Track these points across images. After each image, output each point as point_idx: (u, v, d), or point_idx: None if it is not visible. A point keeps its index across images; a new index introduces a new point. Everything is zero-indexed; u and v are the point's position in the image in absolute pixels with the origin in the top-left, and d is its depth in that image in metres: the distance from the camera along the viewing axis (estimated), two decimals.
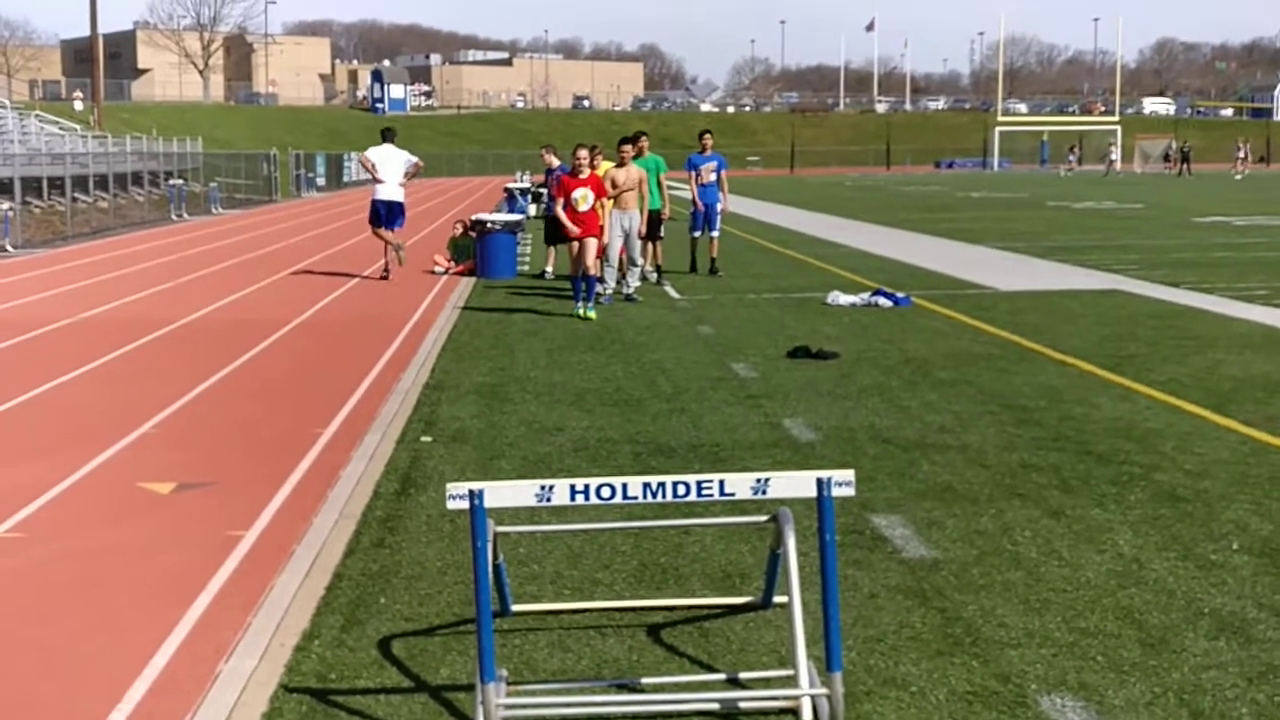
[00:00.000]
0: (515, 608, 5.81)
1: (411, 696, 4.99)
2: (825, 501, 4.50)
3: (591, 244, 15.86)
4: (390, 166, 21.02)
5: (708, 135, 21.33)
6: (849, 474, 4.57)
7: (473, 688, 4.83)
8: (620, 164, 17.55)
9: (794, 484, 4.59)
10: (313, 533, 7.14)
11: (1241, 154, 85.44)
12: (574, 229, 15.86)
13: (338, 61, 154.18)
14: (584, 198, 15.81)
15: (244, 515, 7.47)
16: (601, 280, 16.73)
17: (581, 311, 15.79)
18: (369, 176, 21.41)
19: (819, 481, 4.51)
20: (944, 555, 6.51)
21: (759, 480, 4.56)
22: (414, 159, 21.47)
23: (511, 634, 5.58)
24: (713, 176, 20.79)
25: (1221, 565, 6.31)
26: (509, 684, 4.95)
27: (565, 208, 15.91)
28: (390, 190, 21.00)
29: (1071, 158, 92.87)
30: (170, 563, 6.69)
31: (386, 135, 21.60)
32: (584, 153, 16.12)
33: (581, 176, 15.95)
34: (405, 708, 4.89)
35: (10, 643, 5.63)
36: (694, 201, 20.99)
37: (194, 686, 5.09)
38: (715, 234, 21.11)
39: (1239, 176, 76.43)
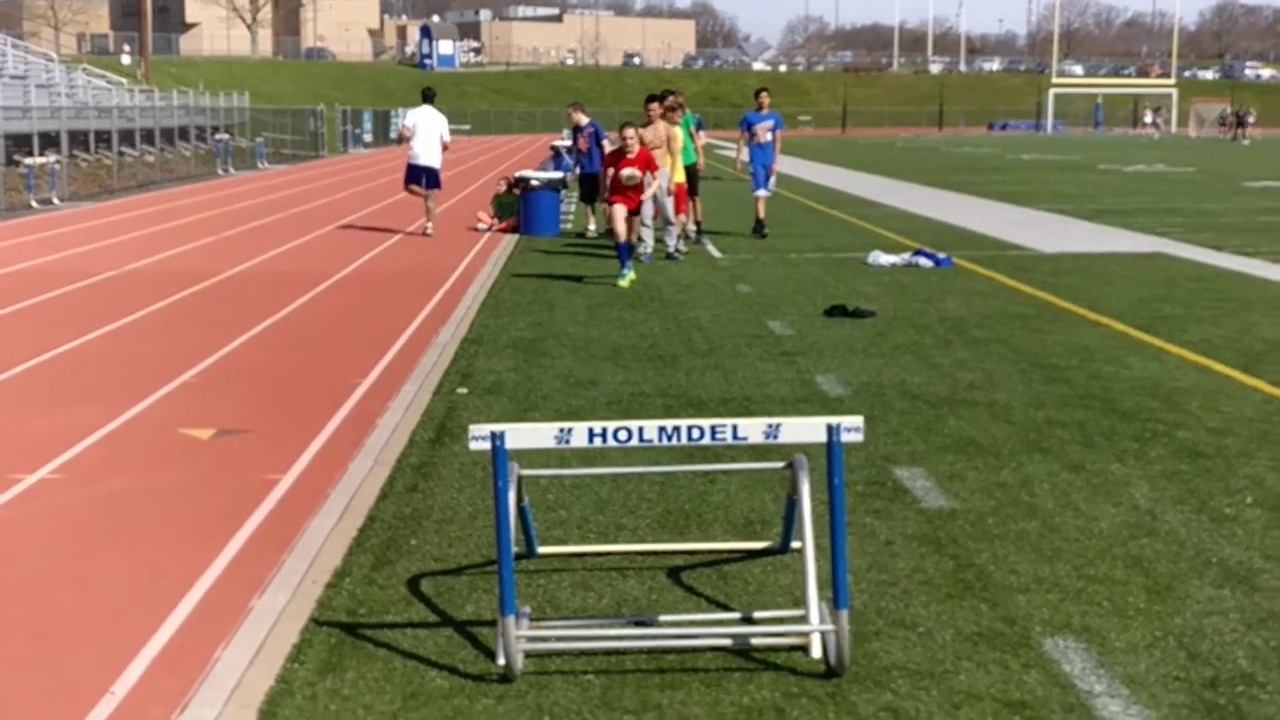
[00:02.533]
0: (541, 550, 5.98)
1: (437, 630, 5.17)
2: (834, 446, 4.63)
3: (623, 211, 15.29)
4: (427, 131, 21.04)
5: (764, 93, 20.89)
6: (858, 420, 4.69)
7: (496, 623, 5.01)
8: (647, 123, 17.33)
9: (805, 430, 4.72)
10: (348, 478, 7.33)
11: (1251, 119, 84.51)
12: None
13: (386, 16, 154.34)
14: (630, 177, 15.13)
15: (281, 460, 7.68)
16: (642, 240, 16.76)
17: (624, 281, 15.13)
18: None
19: (829, 427, 4.64)
20: (962, 506, 6.64)
21: (771, 425, 4.69)
22: (447, 136, 21.34)
23: (537, 574, 5.75)
24: (769, 136, 20.39)
25: (1234, 518, 6.41)
26: (531, 620, 5.11)
27: (612, 182, 15.27)
28: (426, 155, 21.02)
29: (1158, 118, 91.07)
30: (208, 504, 6.90)
31: (427, 96, 21.59)
32: (631, 132, 15.17)
33: (630, 155, 15.16)
34: (431, 641, 5.07)
35: (53, 577, 5.85)
36: (741, 160, 20.61)
37: (228, 619, 5.29)
38: (767, 194, 20.83)
39: (1246, 142, 75.83)
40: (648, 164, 15.34)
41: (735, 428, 4.70)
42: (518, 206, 21.79)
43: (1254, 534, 6.18)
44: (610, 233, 15.86)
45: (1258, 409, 8.70)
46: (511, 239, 20.57)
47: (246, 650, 4.99)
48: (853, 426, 4.67)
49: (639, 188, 15.34)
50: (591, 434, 4.69)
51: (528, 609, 5.19)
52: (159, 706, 4.52)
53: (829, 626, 4.68)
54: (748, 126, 20.64)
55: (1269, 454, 7.56)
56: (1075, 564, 5.78)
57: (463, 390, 9.56)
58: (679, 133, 18.21)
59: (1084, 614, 5.22)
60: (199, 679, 4.73)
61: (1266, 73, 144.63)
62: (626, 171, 15.12)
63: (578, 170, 22.38)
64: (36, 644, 5.10)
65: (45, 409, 9.03)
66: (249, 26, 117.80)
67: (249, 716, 4.45)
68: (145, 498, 7.03)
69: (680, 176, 18.28)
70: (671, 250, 17.77)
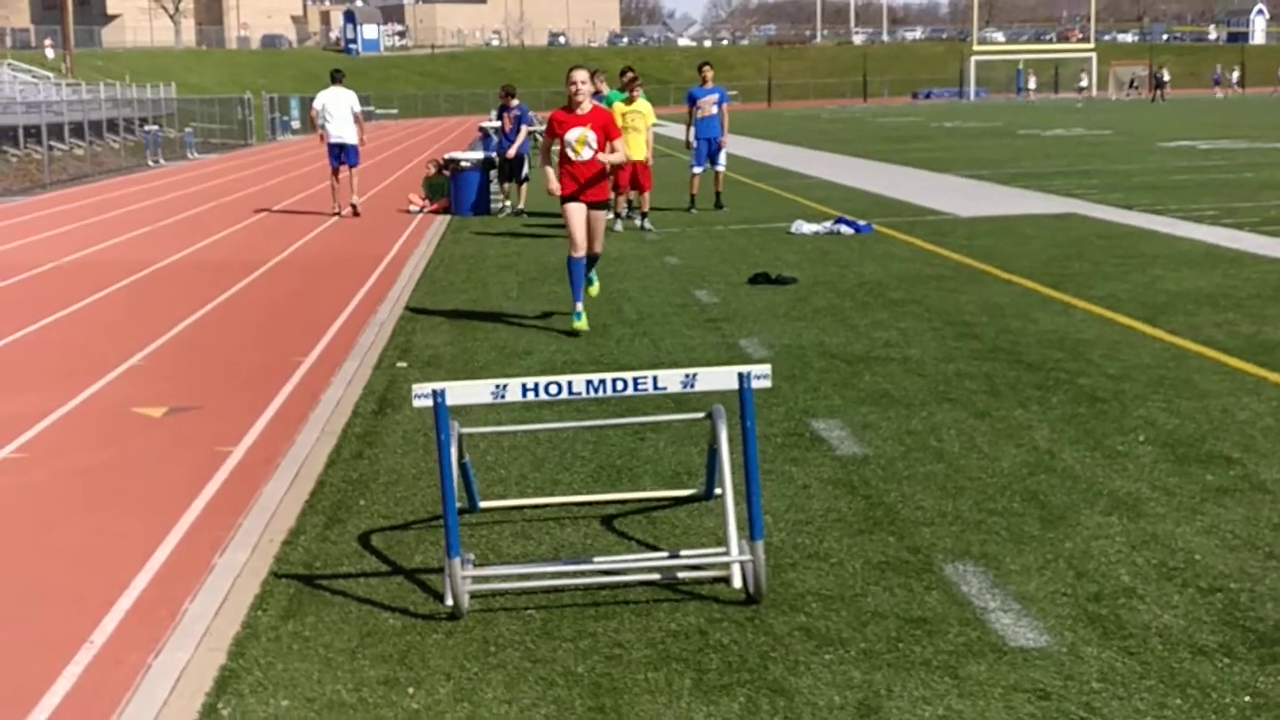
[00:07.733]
0: (482, 504, 6.40)
1: (389, 579, 5.58)
2: (745, 393, 5.07)
3: (600, 217, 11.03)
4: (337, 109, 21.41)
5: (708, 68, 20.93)
6: (766, 368, 5.14)
7: (443, 569, 5.43)
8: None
9: (719, 378, 5.16)
10: (296, 448, 7.71)
11: (1167, 79, 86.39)
12: (554, 187, 10.80)
13: (309, 2, 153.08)
14: (582, 141, 10.63)
15: (232, 434, 8.04)
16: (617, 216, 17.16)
17: (580, 321, 10.96)
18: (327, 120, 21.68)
19: (740, 375, 5.09)
20: (874, 452, 7.12)
21: (688, 375, 5.13)
22: (358, 108, 21.71)
23: (479, 527, 6.17)
24: (714, 109, 20.55)
25: (1126, 454, 6.92)
26: (475, 566, 5.53)
27: (560, 161, 10.75)
28: (339, 131, 21.43)
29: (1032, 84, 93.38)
30: (165, 476, 7.26)
31: (335, 77, 21.98)
32: (582, 74, 10.75)
33: (580, 112, 10.70)
34: (383, 588, 5.48)
35: (21, 546, 6.21)
36: (690, 138, 20.74)
37: (193, 575, 5.68)
38: (720, 168, 20.97)
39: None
40: (606, 128, 10.73)
41: (655, 378, 5.14)
42: (448, 188, 22.11)
43: (1144, 468, 6.69)
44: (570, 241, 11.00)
45: (1156, 356, 9.24)
46: (443, 219, 20.90)
47: (212, 601, 5.38)
48: (761, 374, 5.12)
49: (595, 167, 10.76)
50: (525, 389, 5.11)
51: (472, 556, 5.60)
52: (136, 652, 4.91)
53: (746, 557, 5.14)
54: (692, 101, 20.80)
55: (1163, 396, 8.10)
56: (977, 499, 6.27)
57: (402, 364, 9.94)
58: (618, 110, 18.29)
59: (983, 542, 5.71)
60: (170, 627, 5.12)
61: (1223, 35, 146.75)
62: (575, 133, 10.64)
63: (498, 147, 22.43)
64: (14, 605, 5.47)
65: (1, 395, 9.34)
66: (171, 17, 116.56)
67: (219, 658, 4.85)
68: (105, 471, 7.38)
69: (637, 154, 17.86)
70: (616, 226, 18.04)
